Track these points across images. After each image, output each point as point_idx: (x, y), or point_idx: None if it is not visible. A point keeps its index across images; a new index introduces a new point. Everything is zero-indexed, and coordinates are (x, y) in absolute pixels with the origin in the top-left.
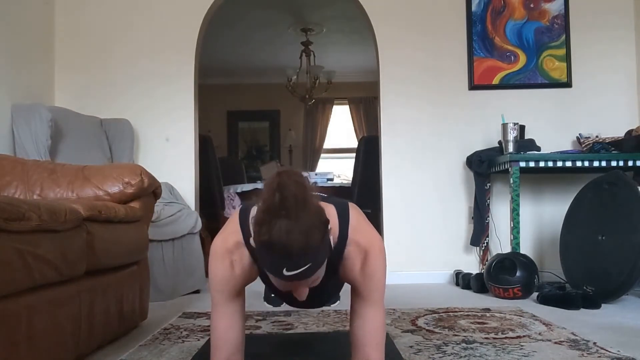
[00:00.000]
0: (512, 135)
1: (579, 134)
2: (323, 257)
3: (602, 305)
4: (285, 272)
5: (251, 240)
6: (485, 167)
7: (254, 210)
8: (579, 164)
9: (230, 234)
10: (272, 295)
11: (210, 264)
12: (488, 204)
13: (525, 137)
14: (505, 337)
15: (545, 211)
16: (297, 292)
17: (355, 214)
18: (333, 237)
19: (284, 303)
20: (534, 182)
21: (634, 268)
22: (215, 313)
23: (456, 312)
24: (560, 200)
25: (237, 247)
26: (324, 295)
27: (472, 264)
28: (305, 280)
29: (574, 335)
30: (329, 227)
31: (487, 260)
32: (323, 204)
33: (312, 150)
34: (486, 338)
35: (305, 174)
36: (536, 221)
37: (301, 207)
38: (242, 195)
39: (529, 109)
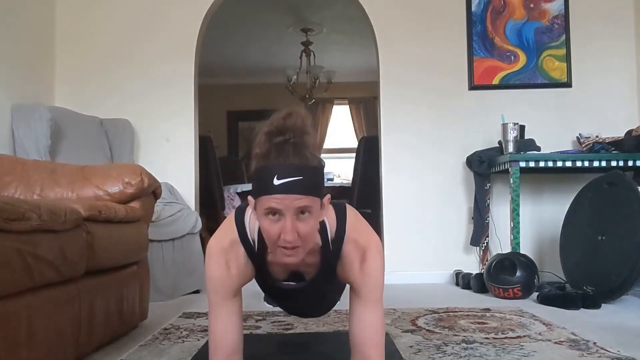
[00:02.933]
0: (512, 135)
1: (579, 134)
2: (316, 186)
3: (602, 305)
4: (275, 181)
5: (247, 214)
6: (485, 167)
7: (250, 210)
8: (579, 164)
9: (225, 232)
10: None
11: (206, 264)
12: (488, 204)
13: (525, 137)
14: (505, 337)
15: (545, 211)
16: (284, 229)
17: (353, 213)
18: (331, 233)
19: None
20: (534, 182)
21: (634, 268)
22: (212, 314)
23: (456, 312)
24: (560, 200)
25: (232, 246)
26: (324, 300)
27: (472, 264)
28: (295, 200)
29: (574, 335)
30: (324, 220)
31: (487, 260)
32: None
33: None
34: (486, 338)
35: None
36: (536, 221)
37: (300, 134)
38: (242, 195)
39: (529, 109)
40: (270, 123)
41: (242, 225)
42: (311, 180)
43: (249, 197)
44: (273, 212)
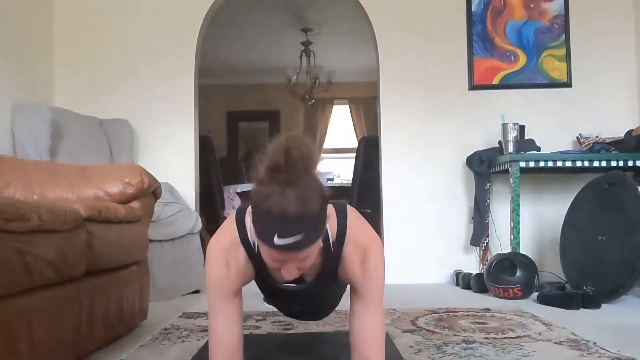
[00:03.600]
0: (512, 135)
1: (579, 134)
2: (317, 233)
3: (602, 305)
4: (276, 240)
5: (247, 215)
6: (485, 167)
7: (250, 210)
8: (579, 164)
9: (225, 233)
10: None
11: (206, 265)
12: (488, 204)
13: (525, 137)
14: (505, 337)
15: (545, 211)
16: (285, 270)
17: (353, 213)
18: (332, 235)
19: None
20: (534, 182)
21: (634, 268)
22: (212, 315)
23: (456, 312)
24: (560, 200)
25: (232, 246)
26: (324, 304)
27: (472, 264)
28: (295, 254)
29: (574, 335)
30: (328, 215)
31: (487, 260)
32: None
33: None
34: (486, 338)
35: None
36: (536, 221)
37: (303, 173)
38: (242, 195)
39: (529, 109)
40: (272, 157)
41: (243, 226)
42: (312, 234)
43: (249, 209)
44: (275, 257)
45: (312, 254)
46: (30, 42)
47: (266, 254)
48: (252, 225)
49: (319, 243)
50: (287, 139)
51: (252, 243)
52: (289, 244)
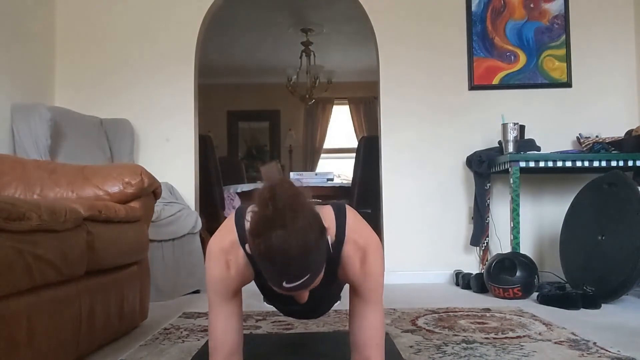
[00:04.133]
0: (512, 135)
1: (579, 134)
2: (322, 264)
3: (602, 305)
4: (285, 285)
5: (247, 247)
6: (485, 167)
7: (249, 212)
8: (579, 164)
9: (225, 234)
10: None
11: (206, 265)
12: (488, 204)
13: (525, 137)
14: (505, 337)
15: (545, 211)
16: (297, 297)
17: (352, 214)
18: (331, 236)
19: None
20: (534, 182)
21: (634, 268)
22: (212, 314)
23: (456, 312)
24: (560, 200)
25: (232, 247)
26: (323, 304)
27: (472, 264)
28: (306, 289)
29: (574, 335)
30: (327, 234)
31: (487, 260)
32: (320, 206)
33: (312, 150)
34: (486, 338)
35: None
36: (536, 221)
37: (295, 216)
38: (242, 195)
39: (529, 109)
40: (260, 210)
41: (242, 228)
42: (318, 267)
43: (248, 210)
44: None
45: (320, 278)
46: (31, 42)
47: (275, 288)
48: (257, 263)
49: (324, 267)
50: (270, 188)
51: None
52: (297, 285)
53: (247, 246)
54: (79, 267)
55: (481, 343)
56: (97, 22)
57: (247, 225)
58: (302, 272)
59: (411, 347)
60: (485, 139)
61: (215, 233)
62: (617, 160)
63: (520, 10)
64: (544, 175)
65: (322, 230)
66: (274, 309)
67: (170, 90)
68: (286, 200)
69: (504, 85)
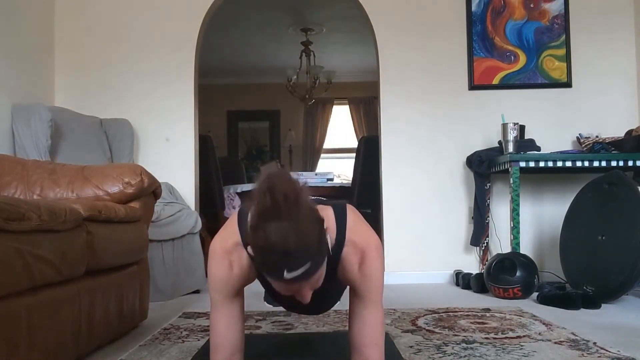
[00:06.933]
0: (512, 135)
1: (579, 134)
2: (322, 256)
3: (602, 305)
4: (286, 275)
5: (249, 249)
6: (485, 167)
7: (250, 212)
8: (579, 164)
9: (228, 234)
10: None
11: (209, 265)
12: (488, 204)
13: (525, 137)
14: (505, 337)
15: (545, 211)
16: (300, 296)
17: (353, 214)
18: (331, 238)
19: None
20: (534, 182)
21: (634, 268)
22: (214, 313)
23: (456, 312)
24: (560, 200)
25: (235, 248)
26: (325, 300)
27: (472, 264)
28: (308, 282)
29: (574, 335)
30: (326, 227)
31: (487, 260)
32: (320, 207)
33: (312, 150)
34: (486, 338)
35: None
36: (536, 221)
37: (293, 206)
38: (242, 195)
39: (529, 109)
40: (259, 202)
41: (245, 230)
42: (318, 258)
43: (248, 250)
44: (286, 288)
45: (322, 274)
46: (31, 42)
47: (278, 286)
48: (255, 263)
49: (325, 262)
50: (268, 179)
51: None
52: (299, 275)
53: (249, 248)
54: (78, 267)
55: (481, 343)
56: (96, 22)
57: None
58: (303, 259)
59: (411, 347)
60: (485, 139)
61: (218, 233)
62: (617, 160)
63: (520, 10)
64: (544, 175)
65: (320, 221)
66: (274, 308)
67: (170, 90)
68: (283, 191)
69: (504, 85)
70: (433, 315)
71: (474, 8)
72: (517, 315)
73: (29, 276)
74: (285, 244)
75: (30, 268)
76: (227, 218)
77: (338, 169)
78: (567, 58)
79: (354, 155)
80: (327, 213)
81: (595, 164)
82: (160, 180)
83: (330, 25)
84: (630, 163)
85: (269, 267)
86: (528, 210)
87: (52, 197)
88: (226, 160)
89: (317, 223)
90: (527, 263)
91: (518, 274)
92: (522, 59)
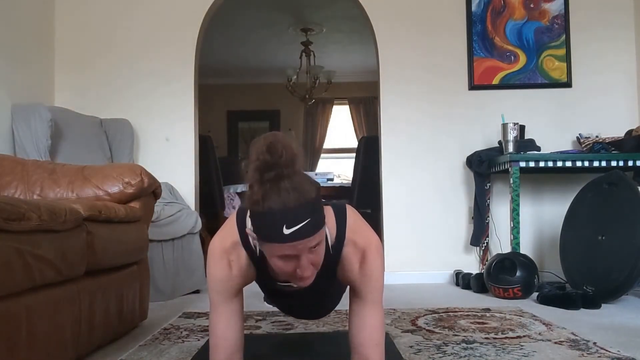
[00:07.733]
0: (512, 135)
1: (579, 134)
2: (320, 217)
3: (602, 305)
4: (285, 230)
5: (248, 224)
6: (485, 167)
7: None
8: (579, 164)
9: (227, 234)
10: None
11: (208, 264)
12: (488, 204)
13: (525, 137)
14: (505, 337)
15: (545, 211)
16: (301, 267)
17: (353, 214)
18: (331, 237)
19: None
20: (534, 182)
21: (634, 268)
22: (213, 313)
23: (456, 312)
24: (560, 200)
25: (234, 248)
26: (324, 302)
27: (472, 264)
28: (307, 243)
29: (574, 335)
30: (325, 225)
31: (487, 260)
32: None
33: (312, 150)
34: (486, 338)
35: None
36: (536, 221)
37: (291, 166)
38: (242, 195)
39: (529, 109)
40: (257, 157)
41: (244, 229)
42: (317, 215)
43: (248, 230)
44: (287, 256)
45: (322, 243)
46: (30, 42)
47: (277, 252)
48: (254, 232)
49: (324, 231)
50: (266, 137)
51: (253, 246)
52: (298, 230)
53: (248, 226)
54: (78, 267)
55: (481, 343)
56: (97, 22)
57: (249, 225)
58: (302, 215)
59: (411, 347)
60: (485, 139)
61: (217, 233)
62: (617, 160)
63: (520, 10)
64: (544, 175)
65: (316, 183)
66: (273, 308)
67: (170, 90)
68: (281, 150)
69: (504, 85)
70: (433, 315)
71: (474, 8)
72: (517, 315)
73: (29, 276)
74: (285, 199)
75: (30, 268)
76: (227, 218)
77: (338, 169)
78: (567, 58)
79: (354, 155)
80: (327, 213)
81: (595, 164)
82: (160, 180)
83: (330, 25)
84: (630, 163)
85: (268, 224)
86: (528, 210)
87: (52, 197)
88: (226, 160)
89: (314, 185)
90: (527, 263)
91: (518, 274)
92: (522, 59)
